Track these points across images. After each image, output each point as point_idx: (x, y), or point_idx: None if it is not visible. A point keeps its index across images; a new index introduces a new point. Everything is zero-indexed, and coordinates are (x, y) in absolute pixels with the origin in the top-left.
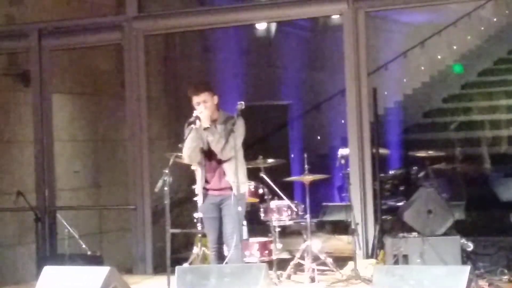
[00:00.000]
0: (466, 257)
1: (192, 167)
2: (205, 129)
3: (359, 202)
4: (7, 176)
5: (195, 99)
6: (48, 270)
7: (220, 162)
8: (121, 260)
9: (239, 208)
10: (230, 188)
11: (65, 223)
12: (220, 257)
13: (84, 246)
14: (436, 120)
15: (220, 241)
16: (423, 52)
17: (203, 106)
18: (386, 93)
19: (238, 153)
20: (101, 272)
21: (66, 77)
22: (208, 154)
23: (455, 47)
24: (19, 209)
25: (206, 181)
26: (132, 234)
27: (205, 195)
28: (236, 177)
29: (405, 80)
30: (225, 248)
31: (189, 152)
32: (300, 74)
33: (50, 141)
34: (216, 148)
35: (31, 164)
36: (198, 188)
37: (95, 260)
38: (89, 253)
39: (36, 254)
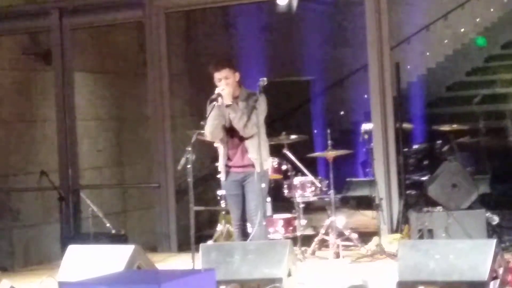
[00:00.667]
0: (492, 231)
1: (215, 144)
2: (227, 106)
3: (383, 177)
4: (30, 156)
5: (217, 76)
6: (73, 249)
7: (242, 139)
8: (145, 238)
9: (262, 185)
10: (253, 165)
11: (89, 202)
12: (244, 234)
13: (108, 224)
14: (460, 94)
15: (243, 218)
16: (446, 25)
17: (225, 83)
18: (409, 67)
19: (260, 130)
20: (126, 250)
21: (87, 56)
22: (231, 131)
23: (478, 20)
24: (43, 188)
25: (229, 159)
26: (156, 212)
27: (227, 173)
28: (258, 154)
29: (428, 54)
30: (249, 225)
31: (211, 129)
32: (322, 49)
33: (72, 120)
34: (238, 125)
35: (54, 143)
36: (220, 165)
37: (119, 238)
38: (113, 231)
39: (60, 233)
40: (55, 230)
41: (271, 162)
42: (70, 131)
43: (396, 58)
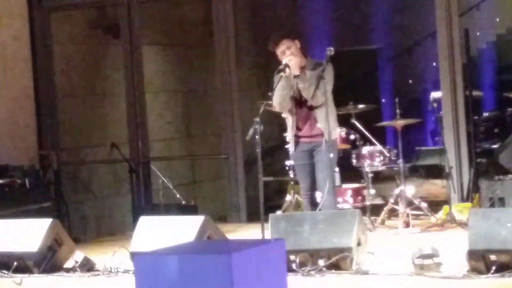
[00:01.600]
0: None
1: (283, 115)
2: (295, 76)
3: (453, 146)
4: (100, 129)
5: (278, 50)
6: (144, 220)
7: (311, 109)
8: (215, 209)
9: (331, 155)
10: (322, 135)
11: (159, 174)
12: (313, 204)
13: (178, 196)
14: None
15: (312, 188)
16: None
17: (289, 53)
18: (478, 33)
19: (328, 99)
20: (196, 221)
21: (155, 29)
22: (299, 102)
23: None
24: (114, 160)
25: (298, 129)
26: (225, 183)
27: (296, 143)
28: (326, 123)
29: (497, 19)
30: (317, 194)
31: (279, 100)
32: (390, 17)
33: (141, 93)
34: (307, 94)
35: (124, 116)
36: (289, 135)
37: (189, 209)
38: (183, 202)
39: (131, 205)
40: (126, 201)
41: (339, 132)
42: (139, 103)
43: (465, 24)
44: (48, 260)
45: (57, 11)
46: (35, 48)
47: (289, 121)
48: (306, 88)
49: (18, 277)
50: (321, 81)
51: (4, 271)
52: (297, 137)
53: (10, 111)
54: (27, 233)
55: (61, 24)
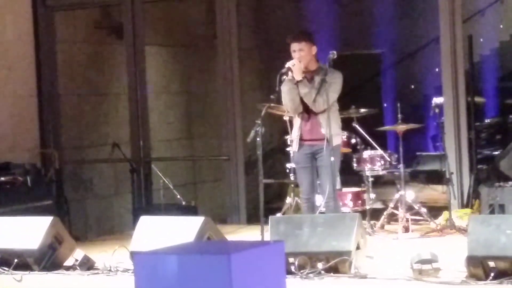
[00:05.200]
0: None
1: (284, 118)
2: (297, 82)
3: (453, 152)
4: (102, 128)
5: (293, 46)
6: (144, 220)
7: (315, 113)
8: (215, 210)
9: (332, 159)
10: (325, 139)
11: (160, 174)
12: (312, 208)
13: (179, 196)
14: None
15: (312, 191)
16: None
17: (298, 55)
18: (482, 40)
19: (332, 105)
20: (196, 221)
21: (158, 29)
22: (305, 105)
23: None
24: (115, 160)
25: (303, 131)
26: (225, 184)
27: (300, 145)
28: (329, 128)
29: (501, 26)
30: (318, 198)
31: (291, 104)
32: (393, 21)
33: (143, 93)
34: (308, 100)
35: (126, 116)
36: (294, 136)
37: (189, 210)
38: (184, 203)
39: (132, 204)
40: (127, 201)
41: (341, 137)
42: (142, 104)
43: (469, 30)
44: (48, 258)
45: (61, 10)
46: (39, 47)
47: (296, 122)
48: (307, 94)
49: (19, 274)
50: (323, 86)
51: (4, 268)
52: (302, 140)
53: (13, 109)
54: (28, 230)
55: (65, 24)
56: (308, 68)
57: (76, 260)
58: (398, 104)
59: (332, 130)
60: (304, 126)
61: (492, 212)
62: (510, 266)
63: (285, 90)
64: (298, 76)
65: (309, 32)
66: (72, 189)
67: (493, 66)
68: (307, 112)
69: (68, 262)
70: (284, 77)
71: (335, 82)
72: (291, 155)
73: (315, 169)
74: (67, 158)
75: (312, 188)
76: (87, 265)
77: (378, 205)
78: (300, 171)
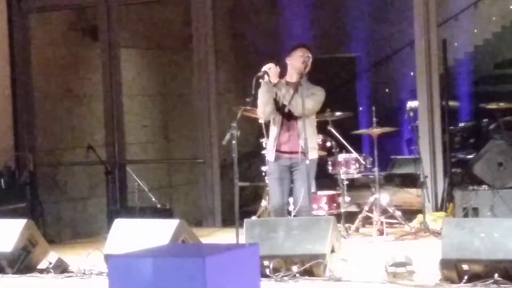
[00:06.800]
0: None
1: (260, 121)
2: (274, 85)
3: (428, 155)
4: (77, 131)
5: (303, 51)
6: (119, 223)
7: (294, 123)
8: (190, 213)
9: (310, 172)
10: (303, 152)
11: (135, 177)
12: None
13: (153, 199)
14: (508, 71)
15: (282, 202)
16: (494, 2)
17: (304, 59)
18: (456, 44)
19: (308, 116)
20: (171, 224)
21: (134, 32)
22: (283, 114)
23: None
24: (90, 163)
25: (280, 142)
26: (201, 187)
27: (277, 157)
28: (306, 138)
29: (475, 30)
30: (290, 201)
31: (263, 107)
32: (368, 26)
33: (119, 95)
34: (287, 101)
35: (101, 118)
36: (270, 145)
37: (164, 213)
38: (158, 206)
39: (107, 207)
40: (101, 203)
41: (317, 153)
42: (117, 106)
43: (443, 35)
44: (22, 261)
45: (36, 12)
46: (13, 49)
47: (273, 131)
48: (286, 93)
49: None
50: (299, 88)
51: None
52: (278, 151)
53: None
54: (2, 233)
55: (40, 26)
56: (290, 79)
57: (50, 263)
58: (373, 108)
59: (309, 143)
60: (281, 136)
61: (466, 215)
62: (484, 269)
63: (260, 93)
64: (274, 79)
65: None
66: (47, 191)
67: (467, 70)
68: (285, 119)
69: (42, 265)
70: (260, 80)
71: (316, 94)
72: (267, 160)
73: (289, 181)
74: (41, 161)
75: (282, 199)
76: (61, 268)
77: (353, 208)
78: (273, 182)
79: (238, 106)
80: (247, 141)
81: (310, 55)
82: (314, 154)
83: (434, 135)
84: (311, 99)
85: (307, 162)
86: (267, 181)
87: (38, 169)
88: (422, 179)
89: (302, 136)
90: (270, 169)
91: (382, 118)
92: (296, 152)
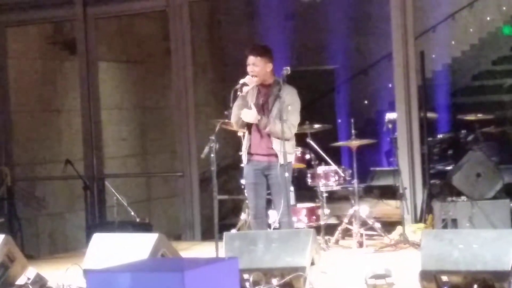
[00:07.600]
0: None
1: (239, 134)
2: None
3: (407, 167)
4: (55, 145)
5: (249, 59)
6: (98, 237)
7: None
8: (170, 226)
9: (286, 174)
10: (276, 156)
11: (114, 191)
12: (261, 225)
13: (132, 213)
14: (486, 83)
15: (260, 209)
16: (471, 13)
17: (251, 69)
18: (434, 56)
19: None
20: (150, 238)
21: (111, 45)
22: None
23: (504, 8)
24: (68, 177)
25: (252, 146)
26: (180, 201)
27: (248, 160)
28: (282, 145)
29: (453, 42)
30: (271, 214)
31: (235, 119)
32: (346, 38)
33: (97, 109)
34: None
35: (79, 132)
36: (243, 149)
37: (143, 227)
38: (137, 220)
39: (85, 222)
40: (80, 218)
41: (294, 154)
42: (95, 120)
43: (421, 46)
44: (0, 277)
45: (13, 26)
46: None
47: (246, 136)
48: (260, 121)
49: None
50: (277, 100)
51: None
52: (250, 154)
53: None
54: None
55: (17, 39)
56: (264, 82)
57: (29, 279)
58: (352, 120)
59: (285, 147)
60: (253, 139)
61: (445, 226)
62: (463, 280)
63: (236, 105)
64: (252, 85)
65: (268, 48)
66: (24, 206)
67: (445, 81)
68: (257, 127)
69: (20, 280)
70: (239, 93)
71: (293, 104)
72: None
73: (265, 186)
74: (19, 175)
75: (259, 205)
76: (39, 283)
77: (333, 221)
78: (248, 187)
79: (216, 119)
80: (226, 154)
81: (257, 62)
82: (290, 157)
83: (412, 146)
84: (287, 127)
85: (281, 163)
86: (246, 194)
87: (16, 184)
88: (401, 191)
89: (276, 141)
90: (244, 173)
91: (361, 130)
92: (269, 155)
